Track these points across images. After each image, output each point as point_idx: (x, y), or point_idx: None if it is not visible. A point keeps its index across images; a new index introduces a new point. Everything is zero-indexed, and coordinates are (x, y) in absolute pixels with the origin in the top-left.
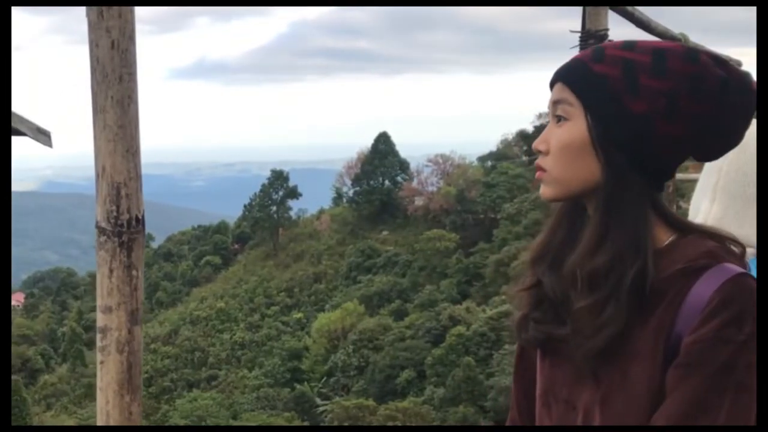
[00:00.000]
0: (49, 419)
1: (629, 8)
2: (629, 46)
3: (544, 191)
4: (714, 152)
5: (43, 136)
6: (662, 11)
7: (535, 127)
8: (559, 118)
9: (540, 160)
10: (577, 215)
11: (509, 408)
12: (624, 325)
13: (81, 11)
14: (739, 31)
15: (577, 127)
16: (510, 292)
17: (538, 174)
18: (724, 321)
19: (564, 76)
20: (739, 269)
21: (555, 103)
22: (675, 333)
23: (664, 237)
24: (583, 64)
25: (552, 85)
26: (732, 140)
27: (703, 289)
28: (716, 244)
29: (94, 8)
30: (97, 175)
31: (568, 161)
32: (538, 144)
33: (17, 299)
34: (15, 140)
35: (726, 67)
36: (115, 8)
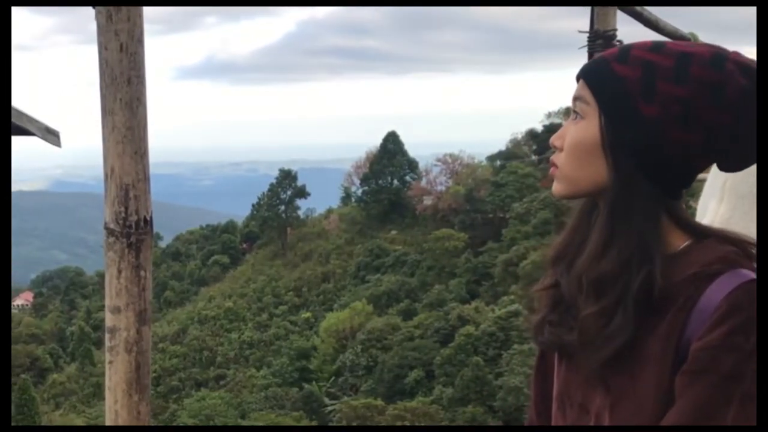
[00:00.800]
0: (57, 418)
1: (638, 8)
2: (656, 48)
3: (555, 188)
4: (737, 162)
5: (52, 136)
6: (672, 10)
7: (545, 127)
8: (576, 115)
9: (554, 156)
10: (598, 214)
11: (518, 408)
12: (632, 333)
13: (88, 11)
14: (749, 30)
15: (590, 126)
16: (529, 293)
17: (551, 170)
18: (731, 328)
19: (586, 73)
20: (753, 275)
21: (574, 100)
22: (685, 339)
23: (679, 242)
24: (605, 63)
25: (577, 80)
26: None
27: (715, 294)
28: (733, 249)
29: (103, 11)
30: (106, 177)
31: (578, 160)
32: (554, 139)
33: (26, 298)
34: (24, 140)
35: (753, 76)
36: (124, 11)
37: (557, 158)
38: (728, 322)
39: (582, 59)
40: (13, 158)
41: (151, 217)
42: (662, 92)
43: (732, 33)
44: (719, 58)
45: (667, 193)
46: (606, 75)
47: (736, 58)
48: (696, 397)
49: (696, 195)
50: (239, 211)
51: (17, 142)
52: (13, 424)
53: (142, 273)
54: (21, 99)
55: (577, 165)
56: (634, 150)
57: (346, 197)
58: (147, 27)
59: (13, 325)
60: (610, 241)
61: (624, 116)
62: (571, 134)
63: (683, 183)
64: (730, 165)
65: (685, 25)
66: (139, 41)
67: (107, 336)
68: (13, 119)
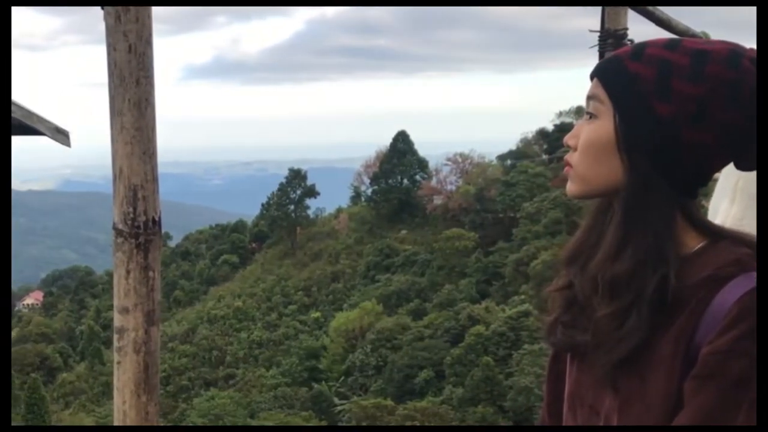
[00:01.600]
0: (67, 417)
1: (649, 7)
2: (672, 45)
3: (570, 188)
4: (755, 160)
5: (61, 135)
6: (684, 9)
7: (555, 126)
8: (590, 115)
9: (568, 156)
10: (613, 215)
11: (528, 408)
12: (645, 335)
13: (97, 11)
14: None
15: (604, 126)
16: (541, 293)
17: (565, 169)
18: (741, 333)
19: (600, 72)
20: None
21: (588, 99)
22: (695, 342)
23: (694, 243)
24: (619, 61)
25: (591, 78)
26: None
27: (726, 298)
28: (747, 251)
29: (112, 12)
30: (115, 177)
31: (592, 160)
32: (568, 138)
33: (36, 298)
34: (34, 140)
35: None
36: (133, 12)
37: (571, 158)
38: (738, 327)
39: (593, 59)
40: (22, 158)
41: (159, 218)
42: (678, 91)
43: (745, 31)
44: (736, 55)
45: (683, 193)
46: (620, 73)
47: (753, 55)
48: (704, 402)
49: (708, 195)
50: (249, 211)
51: (27, 142)
52: (23, 423)
53: (151, 273)
54: (31, 99)
55: (591, 164)
56: (649, 149)
57: (356, 197)
58: (156, 27)
59: (23, 324)
60: (624, 241)
61: (639, 115)
62: (585, 133)
63: (699, 182)
64: (747, 163)
65: (697, 24)
66: (148, 42)
67: (115, 336)
68: (23, 119)
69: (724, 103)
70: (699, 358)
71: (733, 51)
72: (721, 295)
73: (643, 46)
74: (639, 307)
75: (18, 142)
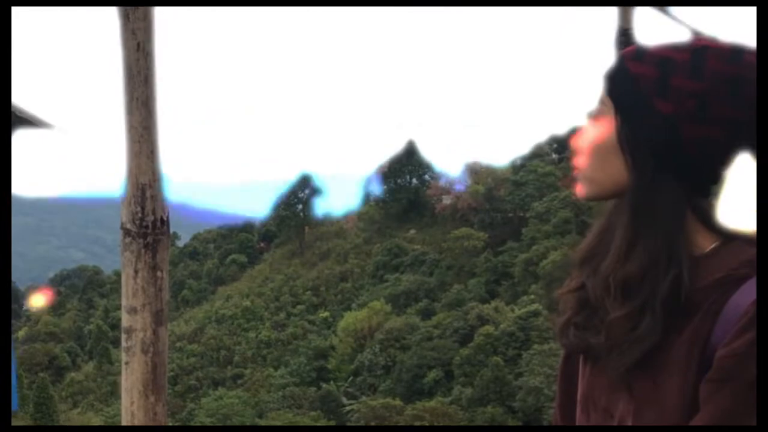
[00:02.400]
0: (75, 417)
1: (663, 7)
2: (674, 44)
3: (579, 189)
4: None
5: (68, 134)
6: (695, 8)
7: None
8: (594, 117)
9: (575, 158)
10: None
11: (538, 408)
12: (659, 337)
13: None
14: None
15: (607, 126)
16: (552, 294)
17: (574, 171)
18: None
19: (605, 73)
20: None
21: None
22: (710, 345)
23: (706, 243)
24: (620, 62)
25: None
26: None
27: (741, 300)
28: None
29: (120, 11)
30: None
31: (598, 161)
32: (574, 141)
33: (45, 294)
34: (40, 139)
35: None
36: (141, 11)
37: (578, 160)
38: (754, 329)
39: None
40: (29, 158)
41: (167, 217)
42: (677, 88)
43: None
44: (737, 51)
45: (694, 191)
46: (621, 74)
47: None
48: (721, 405)
49: None
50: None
51: (33, 141)
52: (31, 422)
53: (159, 273)
54: (38, 97)
55: (597, 165)
56: (652, 147)
57: (365, 196)
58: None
59: (31, 323)
60: (634, 241)
61: (639, 114)
62: (589, 135)
63: (709, 179)
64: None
65: (706, 24)
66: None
67: (123, 336)
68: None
69: (726, 98)
70: (714, 360)
71: (735, 47)
72: (735, 296)
73: (646, 46)
74: (652, 308)
75: (24, 142)
